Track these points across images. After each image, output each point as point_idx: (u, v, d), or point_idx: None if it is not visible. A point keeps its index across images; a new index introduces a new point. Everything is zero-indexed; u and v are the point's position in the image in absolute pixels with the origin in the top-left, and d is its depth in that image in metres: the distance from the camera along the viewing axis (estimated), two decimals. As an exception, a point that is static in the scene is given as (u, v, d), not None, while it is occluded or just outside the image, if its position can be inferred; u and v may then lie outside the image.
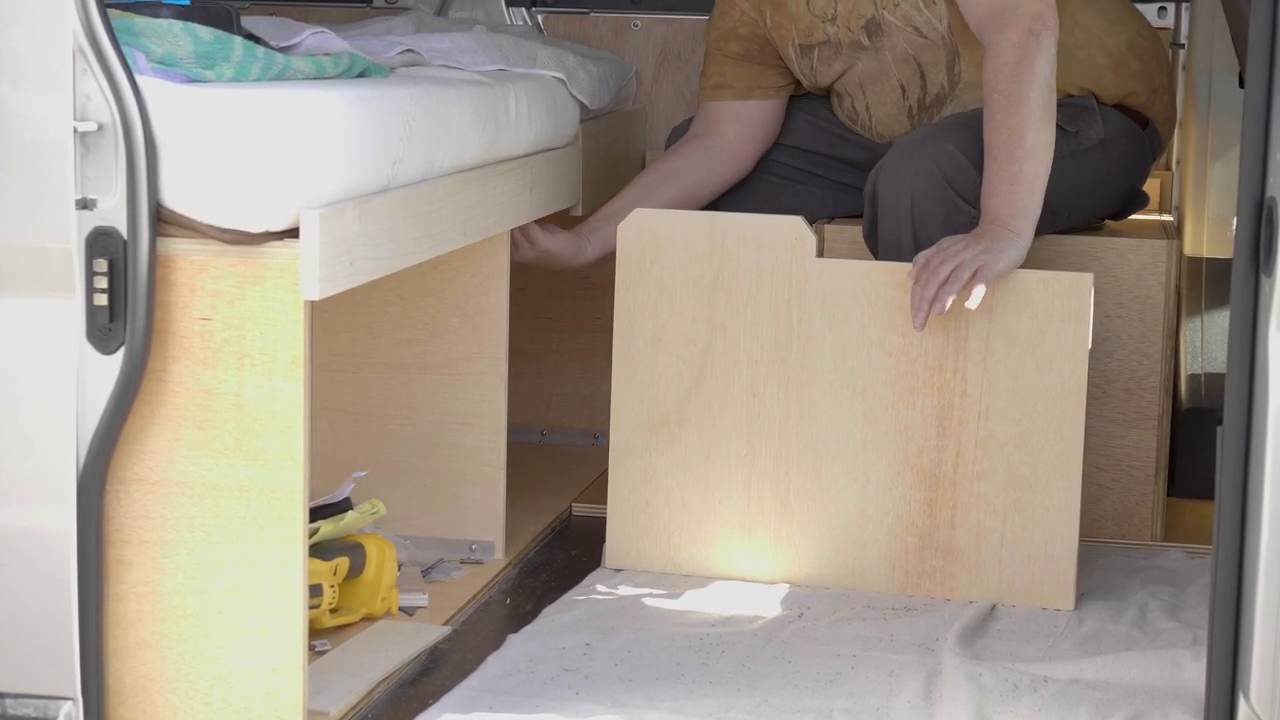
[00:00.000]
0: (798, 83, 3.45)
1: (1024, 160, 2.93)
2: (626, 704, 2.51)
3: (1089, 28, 3.26)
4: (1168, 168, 3.91)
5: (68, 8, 2.14)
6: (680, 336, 3.07)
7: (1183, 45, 3.83)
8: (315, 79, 2.50)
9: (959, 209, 3.01)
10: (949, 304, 2.84)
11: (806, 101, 3.49)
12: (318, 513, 2.75)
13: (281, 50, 2.56)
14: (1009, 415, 2.96)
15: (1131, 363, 3.28)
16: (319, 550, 2.72)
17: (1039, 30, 2.96)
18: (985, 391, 2.96)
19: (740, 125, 3.43)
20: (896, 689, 2.59)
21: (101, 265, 2.18)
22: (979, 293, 2.85)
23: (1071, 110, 3.19)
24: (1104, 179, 3.28)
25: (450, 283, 3.09)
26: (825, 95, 3.48)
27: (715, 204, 3.42)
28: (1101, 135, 3.24)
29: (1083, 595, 3.00)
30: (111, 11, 2.27)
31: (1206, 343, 3.65)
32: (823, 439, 3.02)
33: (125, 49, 2.19)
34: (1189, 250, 3.60)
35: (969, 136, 3.05)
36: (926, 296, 2.86)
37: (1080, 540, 2.99)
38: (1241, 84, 3.51)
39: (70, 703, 2.24)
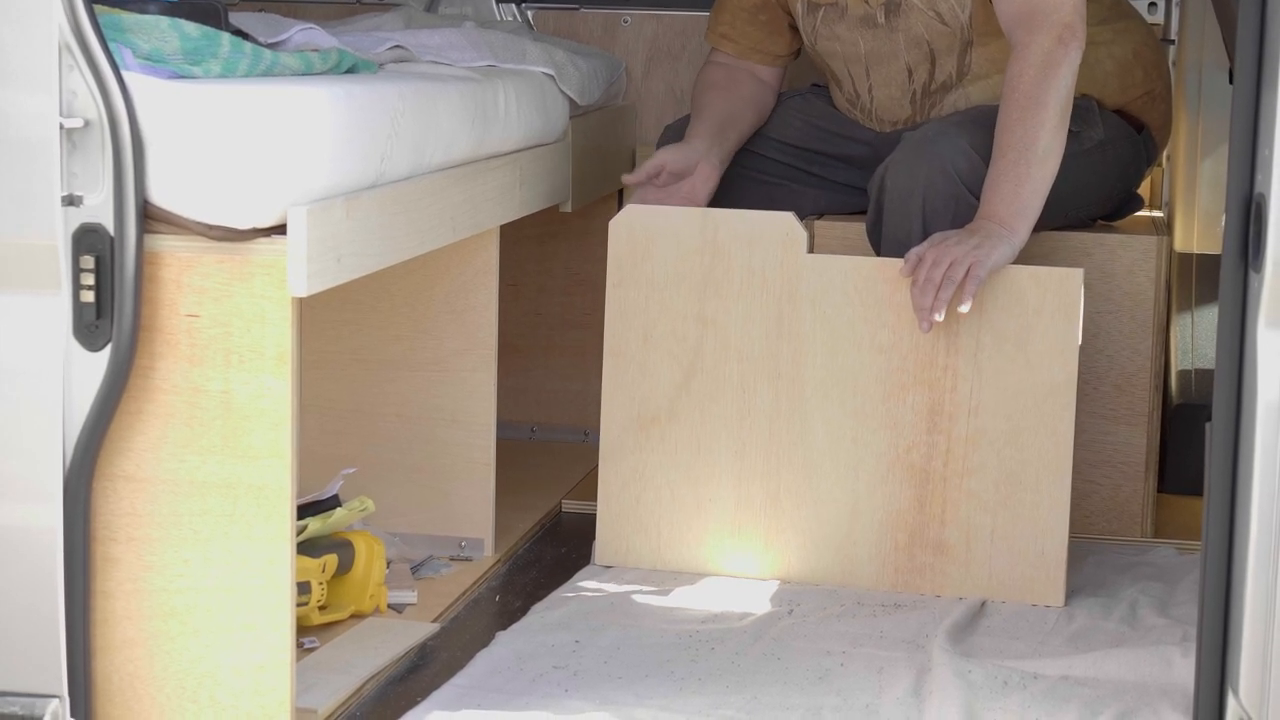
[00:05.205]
0: (793, 60, 3.47)
1: (1033, 163, 2.93)
2: (615, 701, 2.51)
3: (1097, 35, 3.26)
4: (1159, 164, 3.91)
5: (54, 4, 2.13)
6: (671, 333, 3.07)
7: (1173, 41, 3.83)
8: (303, 75, 2.49)
9: (971, 206, 3.00)
10: (944, 312, 2.85)
11: (801, 100, 3.48)
12: (306, 510, 2.75)
13: (269, 46, 2.56)
14: (999, 411, 2.95)
15: (1121, 359, 3.27)
16: (307, 547, 2.72)
17: (1068, 40, 2.98)
18: (975, 388, 2.96)
19: (730, 77, 3.43)
20: (886, 686, 2.58)
21: (88, 262, 2.17)
22: (969, 297, 2.85)
23: (1073, 111, 3.19)
24: (1101, 179, 3.28)
25: (439, 279, 3.09)
26: (823, 87, 3.47)
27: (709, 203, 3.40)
28: (1101, 137, 3.24)
29: (1073, 592, 3.00)
30: (98, 7, 2.26)
31: (1197, 338, 3.64)
32: (813, 435, 3.02)
33: (112, 45, 2.18)
34: (1179, 246, 3.60)
35: (981, 134, 3.05)
36: (925, 306, 2.86)
37: (1070, 536, 2.99)
38: (1231, 80, 3.52)
39: (56, 700, 2.24)
